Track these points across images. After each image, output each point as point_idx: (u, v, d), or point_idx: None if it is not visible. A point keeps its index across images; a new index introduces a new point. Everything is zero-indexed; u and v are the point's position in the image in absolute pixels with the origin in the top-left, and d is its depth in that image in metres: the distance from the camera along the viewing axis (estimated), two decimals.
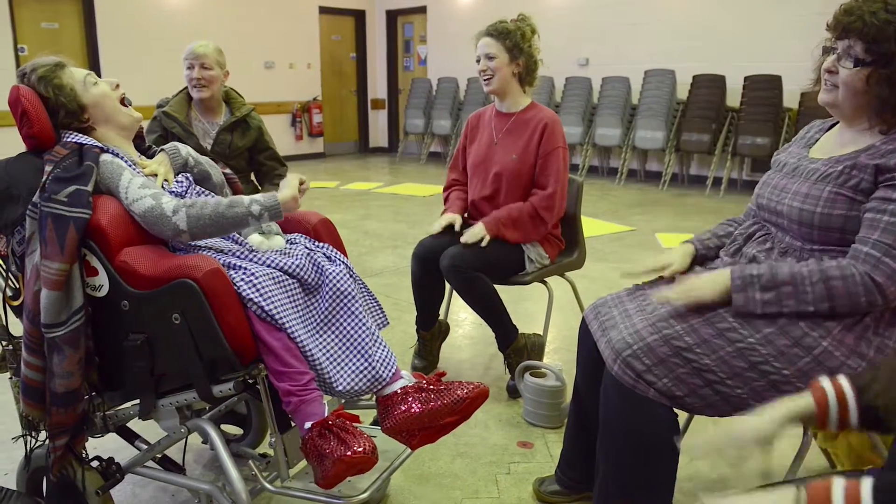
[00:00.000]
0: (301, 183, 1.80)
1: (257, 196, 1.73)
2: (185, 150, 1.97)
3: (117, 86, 1.84)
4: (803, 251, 1.60)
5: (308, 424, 1.57)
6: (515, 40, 2.72)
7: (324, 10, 10.84)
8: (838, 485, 0.92)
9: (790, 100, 7.05)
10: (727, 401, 1.52)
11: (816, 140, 1.75)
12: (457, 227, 2.80)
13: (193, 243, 1.74)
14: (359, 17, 11.46)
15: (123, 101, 1.85)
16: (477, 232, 2.67)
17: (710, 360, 1.52)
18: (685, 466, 2.25)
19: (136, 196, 1.68)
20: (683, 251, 1.89)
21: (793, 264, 1.54)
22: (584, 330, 1.90)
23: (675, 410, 1.58)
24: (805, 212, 1.57)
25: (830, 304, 1.48)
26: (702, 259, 1.89)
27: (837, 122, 1.70)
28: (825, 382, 1.22)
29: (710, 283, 1.60)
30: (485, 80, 2.79)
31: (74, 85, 1.77)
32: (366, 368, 1.68)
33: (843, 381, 1.21)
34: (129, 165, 1.77)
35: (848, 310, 1.48)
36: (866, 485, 0.89)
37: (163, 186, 1.83)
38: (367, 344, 1.70)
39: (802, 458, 1.63)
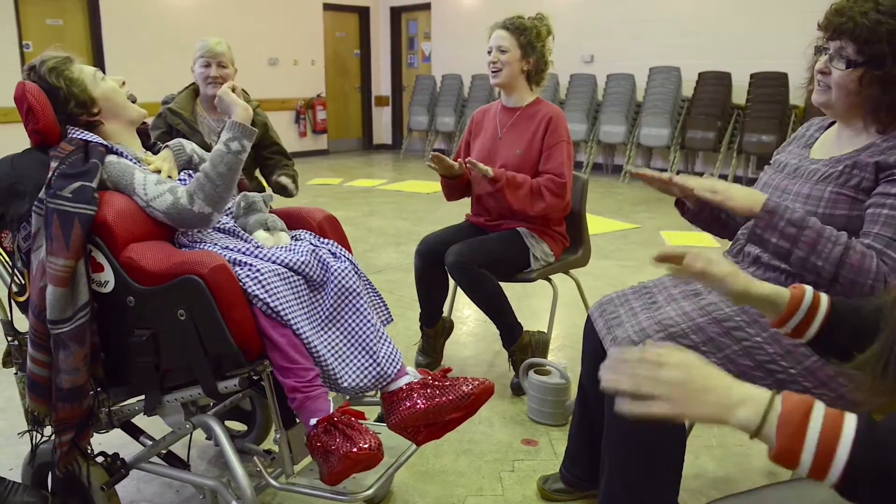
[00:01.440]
0: (233, 89, 1.84)
1: (221, 135, 1.76)
2: (190, 146, 1.97)
3: (123, 83, 1.85)
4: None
5: (313, 421, 1.57)
6: (530, 38, 2.72)
7: (328, 7, 10.83)
8: (818, 409, 0.85)
9: (796, 97, 7.03)
10: None
11: (816, 139, 1.74)
12: (456, 168, 2.79)
13: (199, 240, 1.75)
14: (363, 13, 11.45)
15: (129, 98, 1.86)
16: (485, 167, 2.65)
17: (716, 359, 1.51)
18: (691, 464, 2.24)
19: (156, 193, 1.70)
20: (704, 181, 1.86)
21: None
22: (590, 328, 1.90)
23: None
24: (807, 213, 1.56)
25: (837, 271, 1.43)
26: (701, 211, 1.84)
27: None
28: (809, 288, 1.20)
29: (743, 190, 1.53)
30: (493, 72, 2.78)
31: (85, 78, 1.77)
32: (371, 365, 1.68)
33: (825, 299, 1.19)
34: (135, 163, 1.77)
35: (849, 285, 1.44)
36: (850, 421, 0.83)
37: None
38: (372, 340, 1.70)
39: None
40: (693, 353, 0.93)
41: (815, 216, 1.53)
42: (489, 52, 2.77)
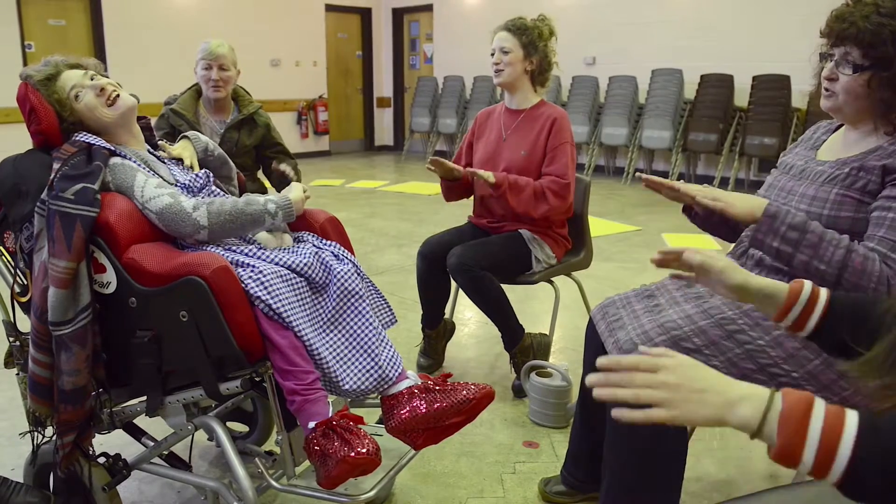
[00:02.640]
0: (304, 191, 1.88)
1: (270, 195, 1.79)
2: (205, 138, 2.03)
3: (102, 90, 1.76)
4: None
5: (312, 424, 1.57)
6: (532, 38, 2.72)
7: (330, 8, 10.84)
8: (819, 406, 0.83)
9: (799, 100, 7.03)
10: None
11: (823, 141, 1.74)
12: (455, 173, 2.78)
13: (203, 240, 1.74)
14: (365, 14, 11.46)
15: (114, 100, 1.78)
16: (485, 173, 2.66)
17: (718, 362, 1.51)
18: (693, 467, 2.24)
19: (154, 194, 1.69)
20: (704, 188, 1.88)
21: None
22: (592, 330, 1.90)
23: None
24: (812, 214, 1.56)
25: (840, 274, 1.43)
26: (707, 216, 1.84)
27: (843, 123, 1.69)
28: (807, 282, 1.20)
29: (743, 198, 1.55)
30: (496, 72, 2.79)
31: (67, 99, 1.75)
32: (372, 368, 1.68)
33: (823, 291, 1.19)
34: (140, 167, 1.77)
35: (852, 289, 1.43)
36: (851, 417, 0.82)
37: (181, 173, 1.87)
38: (373, 343, 1.70)
39: None
40: (687, 355, 0.93)
41: (821, 218, 1.53)
42: (492, 55, 2.78)
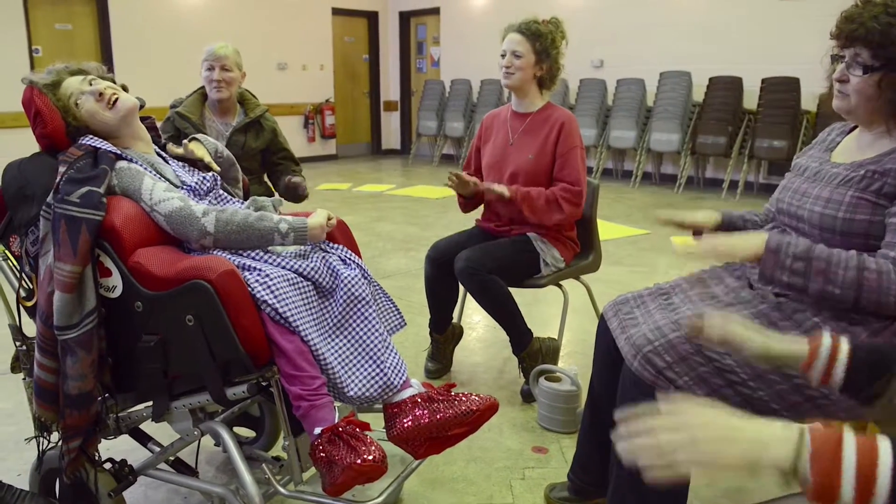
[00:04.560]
0: (329, 218, 1.82)
1: (286, 216, 1.75)
2: (213, 141, 2.03)
3: (101, 95, 1.76)
4: None
5: (318, 430, 1.55)
6: (545, 45, 2.70)
7: (337, 12, 10.85)
8: (849, 441, 0.79)
9: (808, 102, 6.99)
10: (749, 402, 1.49)
11: (837, 143, 1.72)
12: (470, 184, 2.74)
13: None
14: (372, 18, 11.47)
15: (114, 103, 1.77)
16: (501, 188, 2.64)
17: (732, 361, 1.49)
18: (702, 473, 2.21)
19: (163, 197, 1.68)
20: (709, 214, 1.88)
21: (832, 248, 1.49)
22: (603, 327, 1.87)
23: None
24: (826, 217, 1.54)
25: (857, 294, 1.41)
26: (726, 230, 1.85)
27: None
28: (826, 335, 1.19)
29: (743, 240, 1.53)
30: (506, 74, 2.76)
31: (70, 105, 1.75)
32: (377, 374, 1.66)
33: (844, 342, 1.18)
34: (147, 170, 1.76)
35: (873, 306, 1.42)
36: (884, 445, 0.78)
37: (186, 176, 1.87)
38: (379, 350, 1.68)
39: None
40: (703, 400, 0.89)
41: (836, 220, 1.51)
42: (502, 56, 2.75)
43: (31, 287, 1.72)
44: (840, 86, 1.55)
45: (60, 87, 1.75)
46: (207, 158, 1.95)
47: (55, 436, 1.74)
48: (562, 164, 2.70)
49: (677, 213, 1.87)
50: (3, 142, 5.51)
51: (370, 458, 1.45)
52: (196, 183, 1.82)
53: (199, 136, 2.02)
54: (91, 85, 1.77)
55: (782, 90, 7.08)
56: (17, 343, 1.81)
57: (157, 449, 1.83)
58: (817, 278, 1.44)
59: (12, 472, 2.25)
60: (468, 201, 2.91)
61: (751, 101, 7.42)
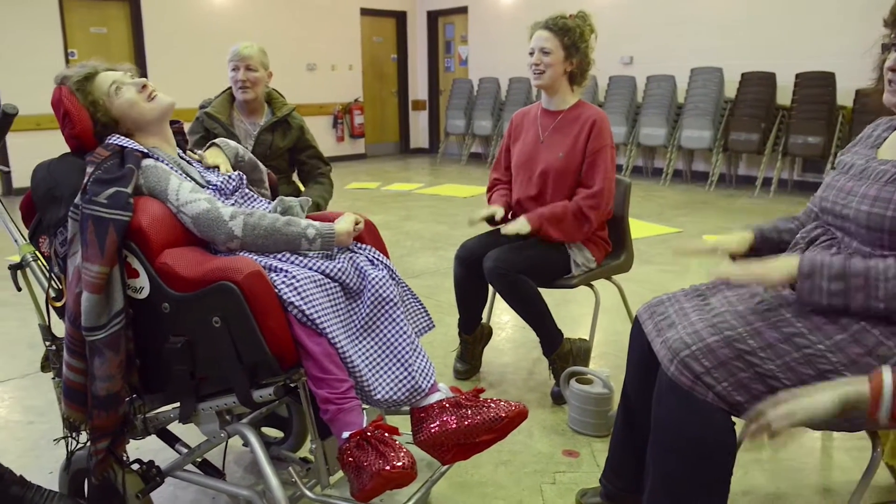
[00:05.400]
0: (357, 222, 1.81)
1: (314, 221, 1.74)
2: (235, 144, 2.01)
3: (144, 86, 1.78)
4: (872, 257, 1.50)
5: (345, 434, 1.53)
6: (574, 39, 2.65)
7: (365, 12, 10.88)
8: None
9: (844, 97, 6.82)
10: None
11: (884, 139, 1.64)
12: (497, 217, 2.72)
13: None
14: (400, 18, 11.48)
15: (153, 97, 1.80)
16: (519, 225, 2.60)
17: (774, 366, 1.43)
18: (740, 479, 2.15)
19: (190, 199, 1.67)
20: (741, 237, 1.82)
21: (867, 259, 1.44)
22: (637, 330, 1.82)
23: (733, 418, 1.50)
24: (874, 216, 1.47)
25: None
26: (759, 250, 1.80)
27: None
28: (886, 372, 1.14)
29: (776, 265, 1.49)
30: (535, 73, 2.72)
31: (103, 98, 1.75)
32: (405, 378, 1.63)
33: None
34: (173, 170, 1.76)
35: None
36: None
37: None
38: (407, 353, 1.66)
39: (871, 475, 1.54)
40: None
41: (884, 219, 1.44)
42: (531, 54, 2.70)
43: (61, 287, 1.73)
44: (893, 76, 1.47)
45: (95, 80, 1.75)
46: (225, 167, 1.91)
47: (84, 436, 1.74)
48: (590, 163, 2.65)
49: (702, 244, 1.84)
50: (41, 143, 5.61)
51: (399, 464, 1.42)
52: (221, 182, 1.81)
53: (218, 140, 2.00)
54: (132, 78, 1.79)
55: (817, 85, 6.92)
56: (47, 343, 1.82)
57: (185, 450, 1.83)
58: (857, 295, 1.40)
59: (44, 470, 2.26)
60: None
61: (785, 96, 7.26)
